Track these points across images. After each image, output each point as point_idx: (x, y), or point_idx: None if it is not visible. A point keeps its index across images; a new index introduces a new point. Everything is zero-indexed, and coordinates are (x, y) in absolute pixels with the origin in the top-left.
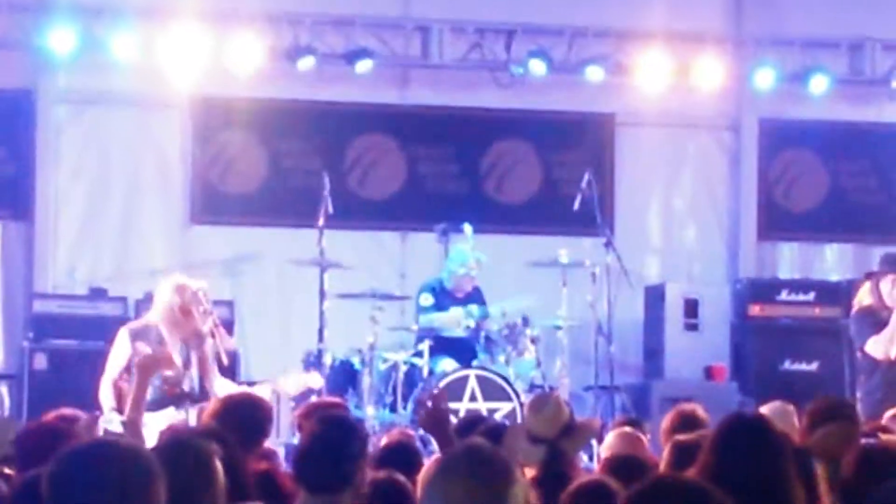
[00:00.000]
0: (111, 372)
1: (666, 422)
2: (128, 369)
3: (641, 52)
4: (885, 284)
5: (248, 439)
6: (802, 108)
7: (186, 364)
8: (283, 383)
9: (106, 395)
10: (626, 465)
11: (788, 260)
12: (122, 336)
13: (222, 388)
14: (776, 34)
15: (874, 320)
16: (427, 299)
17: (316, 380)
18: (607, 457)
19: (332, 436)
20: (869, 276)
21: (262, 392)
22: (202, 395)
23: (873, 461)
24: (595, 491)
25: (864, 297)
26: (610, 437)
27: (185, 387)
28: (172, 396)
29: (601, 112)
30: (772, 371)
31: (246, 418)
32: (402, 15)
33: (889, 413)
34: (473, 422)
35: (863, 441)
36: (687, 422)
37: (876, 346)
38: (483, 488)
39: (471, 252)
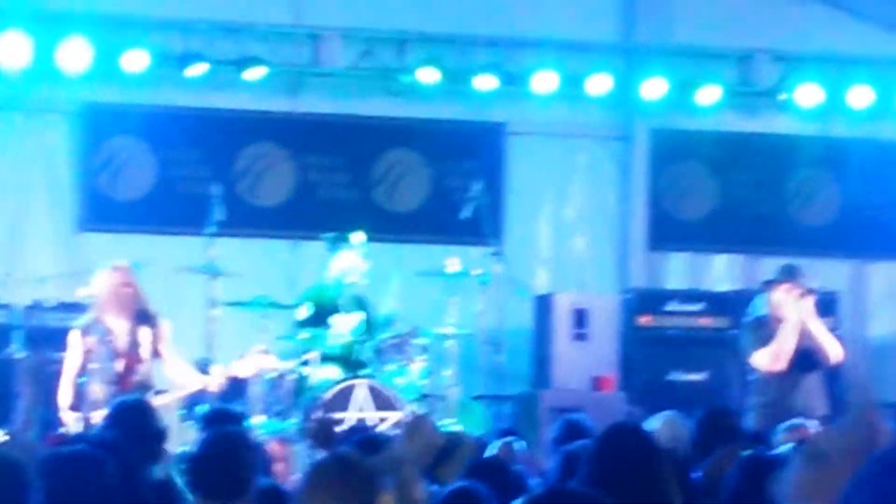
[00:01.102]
0: (68, 373)
1: (553, 432)
2: (84, 368)
3: (532, 61)
4: (779, 294)
5: (147, 447)
6: (692, 118)
7: (133, 350)
8: (237, 366)
9: (64, 396)
10: (492, 472)
11: (678, 270)
12: (73, 336)
13: (180, 370)
14: (667, 44)
15: (765, 330)
16: (303, 312)
17: (271, 361)
18: (474, 464)
19: (225, 444)
20: (765, 285)
21: (216, 375)
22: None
23: (756, 471)
24: (462, 496)
25: (758, 308)
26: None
27: (140, 376)
28: (130, 388)
29: (492, 121)
30: (660, 381)
31: (143, 426)
32: (294, 22)
33: (783, 426)
34: (359, 432)
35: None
36: (573, 432)
37: (762, 358)
38: (349, 498)
39: (357, 260)
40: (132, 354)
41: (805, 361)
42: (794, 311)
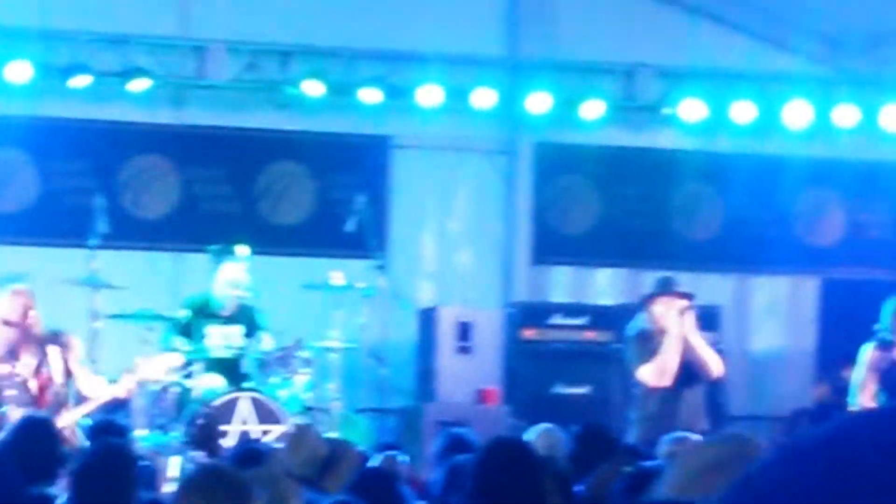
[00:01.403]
0: None
1: (436, 445)
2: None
3: (417, 74)
4: (659, 307)
5: (39, 470)
6: (577, 132)
7: (44, 371)
8: (145, 369)
9: None
10: (375, 485)
11: (562, 284)
12: None
13: (91, 384)
14: (551, 58)
15: (648, 344)
16: (181, 313)
17: (175, 359)
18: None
19: (106, 457)
20: (644, 301)
21: (128, 382)
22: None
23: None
24: None
25: (639, 323)
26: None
27: (54, 395)
28: (46, 406)
29: (377, 134)
30: (544, 394)
31: (39, 445)
32: (179, 34)
33: (666, 439)
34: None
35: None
36: (456, 445)
37: (647, 373)
38: None
39: (241, 273)
40: (44, 376)
41: (686, 375)
42: (675, 324)
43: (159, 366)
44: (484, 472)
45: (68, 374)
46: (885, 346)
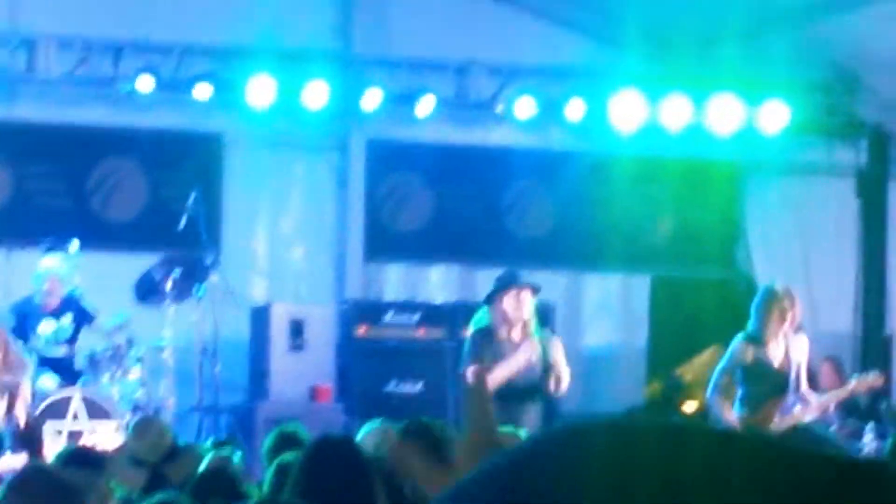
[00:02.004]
0: None
1: (267, 443)
2: None
3: (250, 70)
4: (509, 300)
5: None
6: (410, 129)
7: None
8: None
9: None
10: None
11: (394, 281)
12: None
13: None
14: (385, 55)
15: (487, 344)
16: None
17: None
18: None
19: None
20: (490, 297)
21: None
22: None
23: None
24: None
25: (482, 319)
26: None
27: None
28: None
29: (209, 131)
30: (377, 392)
31: None
32: (8, 29)
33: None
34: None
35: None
36: (288, 442)
37: (471, 374)
38: None
39: (73, 269)
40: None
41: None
42: (525, 351)
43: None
44: (310, 471)
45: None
46: (752, 340)
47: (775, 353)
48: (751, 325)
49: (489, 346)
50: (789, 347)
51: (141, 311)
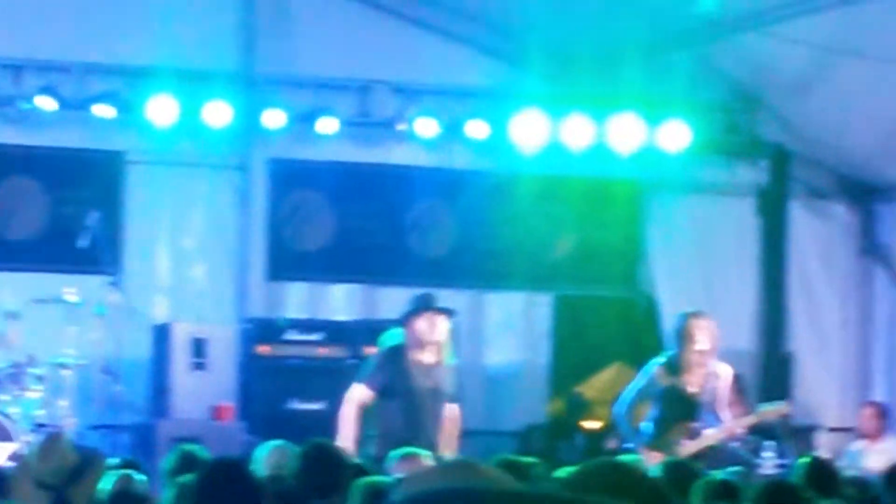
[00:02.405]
0: None
1: (166, 463)
2: None
3: (151, 89)
4: (423, 322)
5: None
6: (311, 148)
7: None
8: None
9: None
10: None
11: (297, 300)
12: None
13: None
14: (286, 74)
15: (398, 360)
16: None
17: None
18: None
19: None
20: (406, 317)
21: None
22: None
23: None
24: None
25: (393, 338)
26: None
27: None
28: None
29: (110, 150)
30: (279, 410)
31: None
32: None
33: (398, 455)
34: None
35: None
36: (188, 462)
37: (352, 393)
38: None
39: None
40: None
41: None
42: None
43: None
44: (204, 493)
45: None
46: (669, 366)
47: (691, 379)
48: (669, 350)
49: (397, 364)
50: (707, 374)
51: (41, 329)
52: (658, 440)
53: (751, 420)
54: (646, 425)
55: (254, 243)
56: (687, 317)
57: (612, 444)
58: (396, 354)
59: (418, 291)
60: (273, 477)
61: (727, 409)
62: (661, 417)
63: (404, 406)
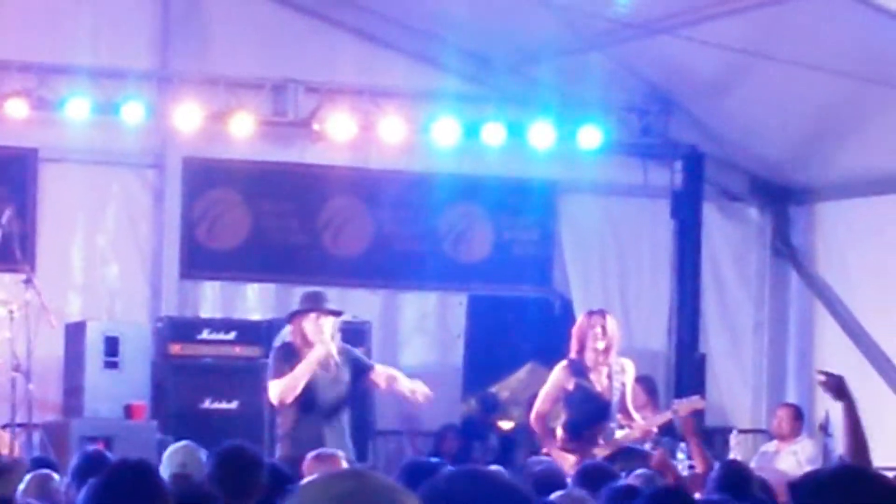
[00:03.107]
0: None
1: (73, 463)
2: None
3: (66, 86)
4: (309, 323)
5: None
6: (226, 147)
7: None
8: None
9: None
10: None
11: (210, 299)
12: None
13: None
14: (201, 72)
15: (290, 359)
16: None
17: None
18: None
19: None
20: (292, 316)
21: None
22: None
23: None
24: None
25: (285, 336)
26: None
27: None
28: None
29: (24, 147)
30: (192, 410)
31: None
32: None
33: (310, 455)
34: None
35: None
36: (95, 463)
37: (274, 389)
38: None
39: None
40: None
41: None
42: (320, 345)
43: None
44: (109, 495)
45: None
46: (573, 366)
47: (597, 378)
48: (571, 351)
49: (293, 360)
50: (612, 372)
51: None
52: (571, 443)
53: (666, 417)
54: (559, 432)
55: (168, 242)
56: (588, 316)
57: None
58: (290, 350)
59: (310, 290)
60: (178, 476)
61: (636, 407)
62: (572, 420)
63: (305, 403)
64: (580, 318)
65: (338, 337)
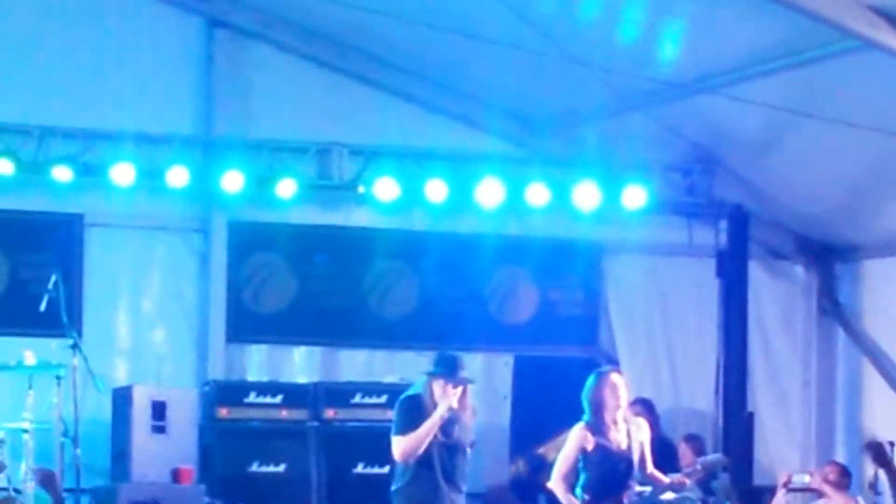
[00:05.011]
0: None
1: None
2: None
3: (111, 152)
4: (438, 386)
5: None
6: (271, 211)
7: None
8: None
9: None
10: None
11: (257, 362)
12: None
13: None
14: (245, 137)
15: (411, 413)
16: None
17: None
18: None
19: None
20: (431, 375)
21: None
22: None
23: None
24: None
25: (416, 388)
26: None
27: None
28: None
29: (69, 213)
30: (240, 473)
31: None
32: None
33: None
34: None
35: None
36: None
37: (397, 446)
38: None
39: None
40: None
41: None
42: (440, 410)
43: None
44: None
45: None
46: (591, 427)
47: (616, 438)
48: (587, 412)
49: (417, 416)
50: (630, 430)
51: (1, 393)
52: (596, 503)
53: (687, 478)
54: (578, 493)
55: (213, 305)
56: (600, 375)
57: None
58: (412, 405)
59: (446, 353)
60: None
61: (683, 466)
62: (593, 480)
63: (423, 462)
64: (591, 378)
65: (467, 403)
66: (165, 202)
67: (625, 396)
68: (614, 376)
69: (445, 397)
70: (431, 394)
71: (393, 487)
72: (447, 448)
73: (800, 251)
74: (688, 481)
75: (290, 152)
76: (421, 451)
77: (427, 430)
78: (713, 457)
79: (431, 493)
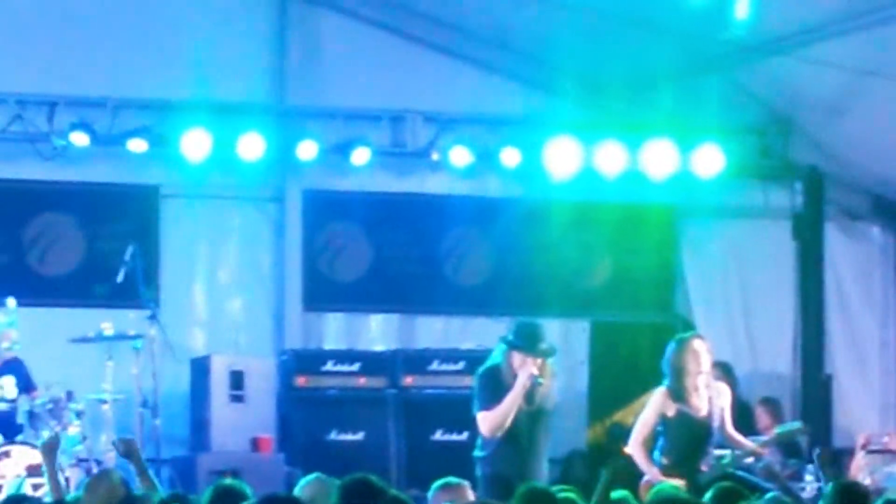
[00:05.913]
0: None
1: (205, 498)
2: None
3: (184, 123)
4: (517, 358)
5: None
6: (346, 179)
7: None
8: None
9: None
10: None
11: (334, 330)
12: None
13: None
14: (319, 106)
15: (493, 385)
16: None
17: None
18: None
19: None
20: (511, 344)
21: None
22: None
23: None
24: None
25: (494, 358)
26: None
27: None
28: None
29: (145, 184)
30: (318, 442)
31: None
32: None
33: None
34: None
35: None
36: (228, 496)
37: (483, 423)
38: None
39: (9, 325)
40: None
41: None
42: (522, 380)
43: None
44: None
45: None
46: (672, 393)
47: (697, 404)
48: (668, 378)
49: (499, 388)
50: (711, 396)
51: (80, 364)
52: (674, 468)
53: (763, 447)
54: (656, 456)
55: (289, 274)
56: (682, 341)
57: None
58: (493, 375)
59: (527, 323)
60: None
61: (760, 429)
62: (673, 445)
63: (508, 432)
64: (673, 344)
65: (547, 371)
66: (240, 172)
67: (707, 362)
68: (697, 342)
69: (525, 367)
70: (511, 364)
71: (478, 454)
72: (530, 415)
73: (876, 212)
74: (766, 451)
75: (363, 120)
76: (508, 424)
77: (511, 402)
78: (791, 425)
79: (516, 461)
